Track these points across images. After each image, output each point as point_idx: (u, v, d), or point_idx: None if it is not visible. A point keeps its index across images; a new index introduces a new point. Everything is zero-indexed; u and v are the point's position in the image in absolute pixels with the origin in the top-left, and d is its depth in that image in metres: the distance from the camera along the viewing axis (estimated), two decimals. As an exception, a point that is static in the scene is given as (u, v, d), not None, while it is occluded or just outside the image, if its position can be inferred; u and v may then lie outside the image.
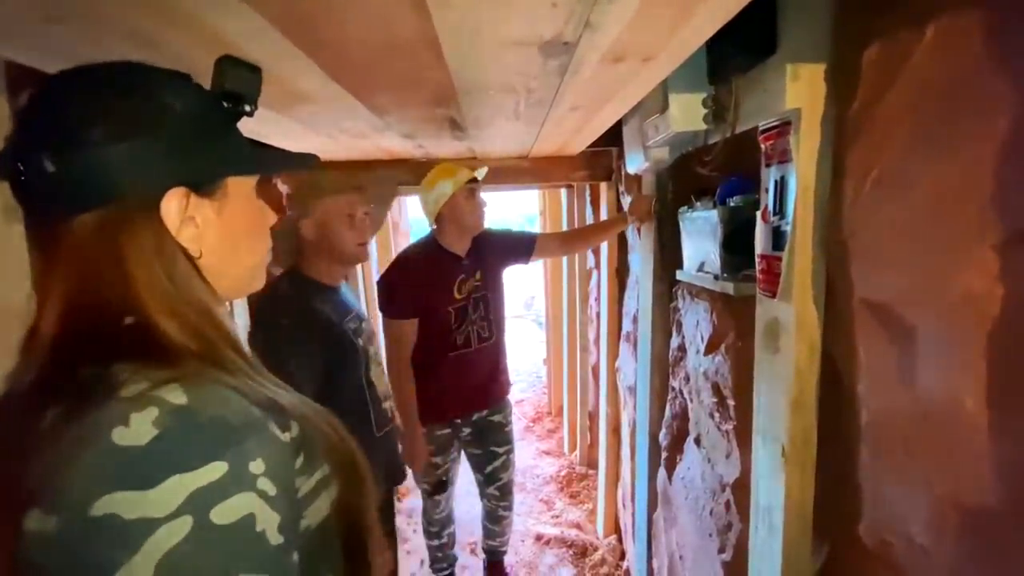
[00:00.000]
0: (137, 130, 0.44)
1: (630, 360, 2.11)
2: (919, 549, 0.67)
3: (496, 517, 2.12)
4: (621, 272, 2.34)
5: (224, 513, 0.38)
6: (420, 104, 1.16)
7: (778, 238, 0.86)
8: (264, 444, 0.43)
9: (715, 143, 1.07)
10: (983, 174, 0.54)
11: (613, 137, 1.72)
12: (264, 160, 0.59)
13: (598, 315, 2.69)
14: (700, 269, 1.23)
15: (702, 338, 1.29)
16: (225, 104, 0.52)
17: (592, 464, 3.02)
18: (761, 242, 0.91)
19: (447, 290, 1.76)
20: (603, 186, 2.31)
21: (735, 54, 0.89)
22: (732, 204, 1.09)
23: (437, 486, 1.99)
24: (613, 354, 2.45)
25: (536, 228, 3.80)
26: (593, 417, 3.07)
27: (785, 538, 0.89)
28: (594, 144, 1.85)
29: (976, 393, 0.56)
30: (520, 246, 1.95)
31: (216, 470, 0.39)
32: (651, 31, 0.79)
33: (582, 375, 3.17)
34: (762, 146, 0.89)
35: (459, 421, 1.90)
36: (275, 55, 0.82)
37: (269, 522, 0.41)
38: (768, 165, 0.88)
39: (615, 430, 2.52)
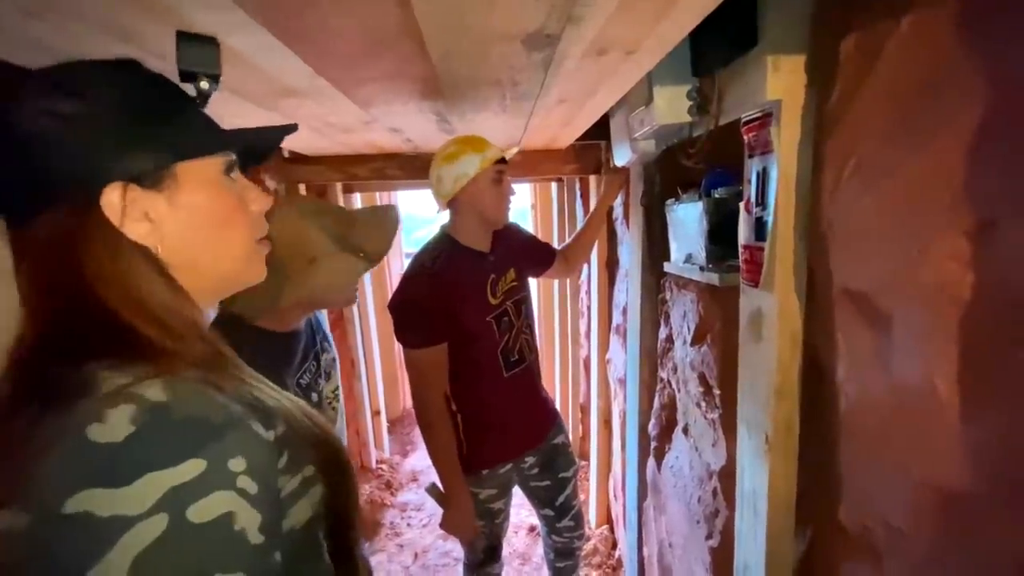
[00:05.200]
0: (61, 129, 0.42)
1: (620, 352, 2.13)
2: (896, 532, 0.69)
3: (570, 551, 1.74)
4: (611, 265, 2.35)
5: (201, 511, 0.38)
6: (406, 97, 1.16)
7: (760, 228, 0.87)
8: (245, 442, 0.42)
9: (699, 135, 1.08)
10: (955, 164, 0.55)
11: (601, 130, 1.72)
12: (217, 139, 0.53)
13: (588, 308, 2.71)
14: (687, 261, 1.24)
15: (689, 329, 1.31)
16: (181, 83, 0.50)
17: (584, 456, 3.04)
18: (744, 233, 0.92)
19: (480, 296, 1.39)
20: (592, 179, 2.32)
21: (717, 47, 0.90)
22: (717, 196, 1.10)
23: (488, 554, 1.56)
24: (604, 347, 2.47)
25: (528, 222, 3.79)
26: (584, 409, 3.09)
27: (769, 523, 0.91)
28: (582, 138, 1.86)
29: (948, 378, 0.58)
30: (541, 254, 1.69)
31: (193, 468, 0.38)
32: (633, 24, 0.80)
33: (573, 368, 3.18)
34: (745, 138, 0.90)
35: (526, 452, 1.54)
36: (257, 48, 0.81)
37: (249, 521, 0.40)
38: (751, 156, 0.89)
39: (606, 422, 2.54)
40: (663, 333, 1.58)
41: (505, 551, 2.08)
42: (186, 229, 0.49)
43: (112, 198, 0.44)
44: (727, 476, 1.16)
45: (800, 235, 0.82)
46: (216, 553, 0.38)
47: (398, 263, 4.09)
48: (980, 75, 0.53)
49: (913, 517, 0.66)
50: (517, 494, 1.67)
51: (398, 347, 1.62)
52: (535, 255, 1.69)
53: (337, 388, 1.12)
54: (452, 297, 1.33)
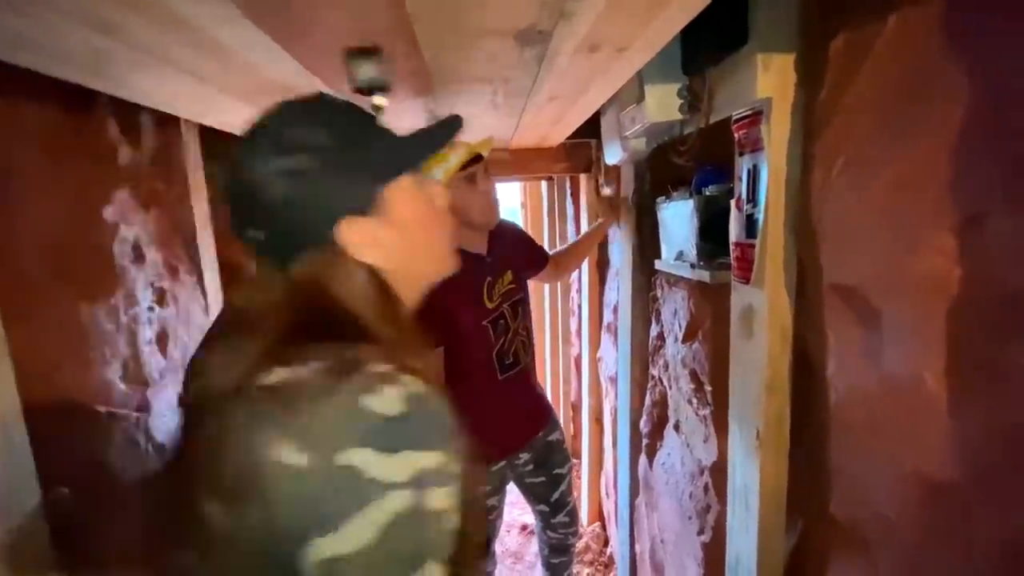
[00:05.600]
0: (296, 187, 0.49)
1: (611, 350, 2.14)
2: (886, 523, 0.70)
3: (565, 547, 1.77)
4: (601, 264, 2.36)
5: (434, 499, 0.42)
6: (397, 95, 1.15)
7: (751, 226, 0.88)
8: (462, 449, 0.46)
9: (690, 133, 1.09)
10: (941, 161, 0.55)
11: (592, 129, 1.73)
12: (411, 154, 0.58)
13: (579, 307, 2.71)
14: (678, 258, 1.25)
15: (680, 326, 1.32)
16: (360, 97, 0.56)
17: (575, 454, 3.05)
18: (735, 230, 0.93)
19: (476, 302, 1.39)
20: (583, 178, 2.32)
21: (708, 45, 0.90)
22: (707, 193, 1.11)
23: (481, 550, 1.56)
24: (595, 345, 2.47)
25: (519, 221, 3.80)
26: (576, 408, 3.10)
27: (761, 517, 0.92)
28: (573, 136, 1.86)
29: (936, 371, 0.59)
30: (535, 257, 1.67)
31: (436, 458, 0.42)
32: (625, 20, 0.80)
33: (564, 367, 3.19)
34: (735, 135, 0.91)
35: (520, 450, 1.55)
36: (246, 44, 0.80)
37: (453, 523, 0.43)
38: (741, 154, 0.90)
39: (597, 420, 2.55)
40: (654, 330, 1.59)
41: (498, 549, 2.09)
42: (404, 242, 0.54)
43: (346, 234, 0.51)
44: (718, 472, 1.17)
45: (790, 232, 0.83)
46: (433, 542, 0.42)
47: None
48: (965, 73, 0.54)
49: (902, 508, 0.67)
50: (511, 492, 1.67)
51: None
52: (530, 257, 1.67)
53: None
54: (447, 304, 1.23)
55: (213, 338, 0.54)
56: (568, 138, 1.92)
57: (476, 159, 1.32)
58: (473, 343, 1.38)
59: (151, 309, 1.28)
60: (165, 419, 1.30)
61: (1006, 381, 0.53)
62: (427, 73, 0.99)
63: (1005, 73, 0.50)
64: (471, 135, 1.80)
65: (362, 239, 0.51)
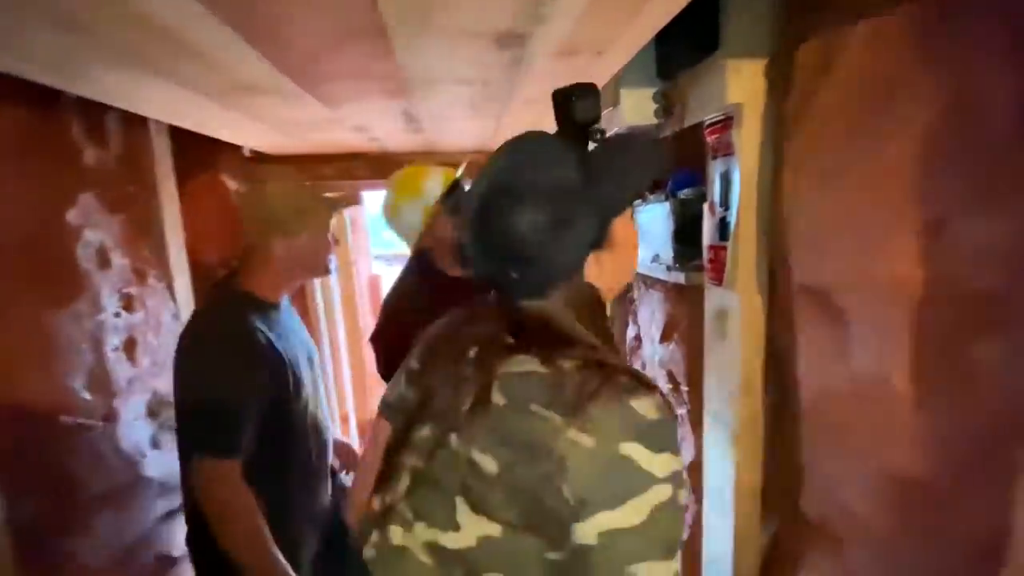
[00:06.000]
0: (556, 233, 0.55)
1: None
2: (856, 519, 0.72)
3: None
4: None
5: (680, 497, 0.49)
6: (373, 96, 1.14)
7: (724, 229, 0.89)
8: None
9: (665, 137, 1.10)
10: (906, 165, 0.57)
11: (569, 131, 1.73)
12: (633, 184, 0.62)
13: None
14: (654, 260, 1.26)
15: (657, 327, 1.33)
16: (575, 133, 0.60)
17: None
18: (708, 233, 0.94)
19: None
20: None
21: (681, 51, 0.91)
22: (682, 196, 1.12)
23: None
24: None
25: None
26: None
27: (736, 515, 0.93)
28: (551, 138, 1.87)
29: (903, 371, 0.60)
30: None
31: (678, 463, 0.49)
32: (602, 25, 0.81)
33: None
34: (708, 140, 0.92)
35: None
36: (215, 44, 0.78)
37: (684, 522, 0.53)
38: (714, 158, 0.91)
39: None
40: (632, 332, 1.61)
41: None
42: (619, 262, 0.61)
43: (590, 266, 0.59)
44: (695, 470, 1.18)
45: (762, 235, 0.85)
46: (678, 534, 0.49)
47: (365, 264, 4.02)
48: (929, 81, 0.55)
49: (872, 504, 0.69)
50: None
51: (368, 352, 1.56)
52: None
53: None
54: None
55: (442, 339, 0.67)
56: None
57: (455, 185, 1.29)
58: None
59: (118, 315, 1.24)
60: (133, 428, 1.26)
61: (969, 380, 0.54)
62: (403, 75, 0.98)
63: (967, 81, 0.52)
64: (451, 139, 1.80)
65: (598, 267, 0.59)
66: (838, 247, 0.68)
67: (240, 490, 0.97)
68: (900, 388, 0.60)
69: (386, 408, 0.74)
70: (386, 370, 1.31)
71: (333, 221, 1.14)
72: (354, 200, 1.56)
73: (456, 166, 1.37)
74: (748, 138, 0.83)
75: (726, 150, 0.87)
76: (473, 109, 1.31)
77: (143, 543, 1.28)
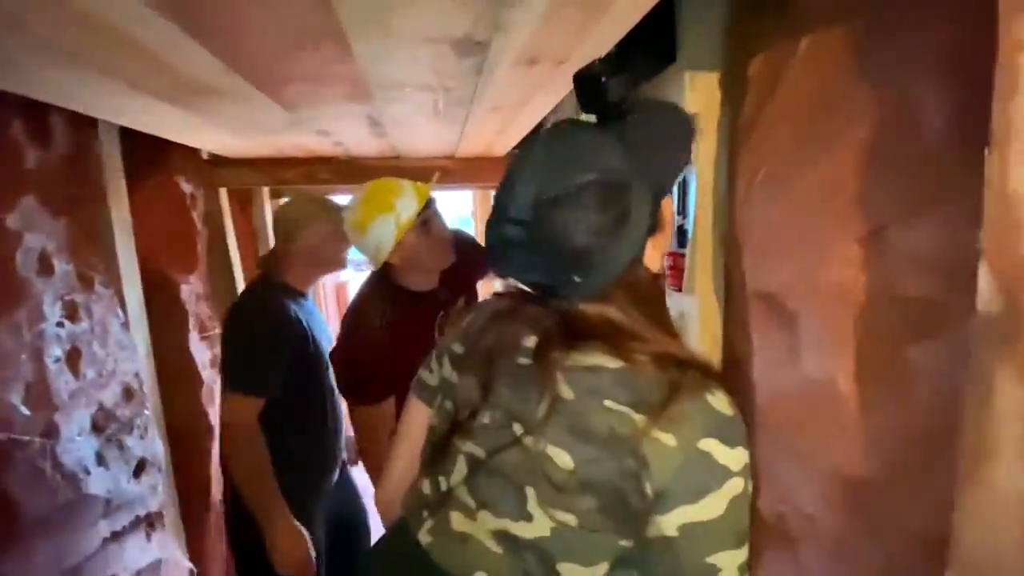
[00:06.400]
0: (616, 229, 0.54)
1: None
2: (809, 519, 0.73)
3: None
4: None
5: (749, 489, 0.52)
6: (334, 100, 1.12)
7: (682, 236, 0.91)
8: None
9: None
10: (847, 176, 0.59)
11: (536, 139, 1.74)
12: (674, 163, 0.62)
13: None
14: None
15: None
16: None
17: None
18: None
19: (429, 341, 1.21)
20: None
21: (639, 61, 0.93)
22: (644, 204, 1.14)
23: None
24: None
25: (471, 230, 3.78)
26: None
27: (696, 519, 0.95)
28: (520, 146, 1.88)
29: (847, 374, 0.62)
30: (485, 265, 1.49)
31: (746, 457, 0.52)
32: (561, 34, 0.81)
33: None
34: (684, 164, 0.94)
35: None
36: (162, 43, 0.76)
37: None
38: (673, 167, 0.93)
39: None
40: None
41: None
42: (665, 240, 0.61)
43: (647, 251, 0.59)
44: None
45: (718, 242, 0.87)
46: (748, 523, 0.53)
47: (331, 278, 3.94)
48: (867, 95, 0.58)
49: (824, 504, 0.70)
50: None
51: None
52: (481, 267, 1.59)
53: None
54: (402, 351, 1.20)
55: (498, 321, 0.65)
56: (513, 148, 1.94)
57: (426, 206, 1.27)
58: None
59: (60, 325, 1.17)
60: (76, 444, 1.20)
61: (908, 382, 0.57)
62: (363, 79, 0.97)
63: (900, 97, 0.54)
64: (416, 144, 1.79)
65: (652, 251, 0.59)
66: (787, 254, 0.70)
67: (254, 427, 1.20)
68: (845, 390, 0.62)
69: (423, 390, 0.73)
70: (346, 384, 1.31)
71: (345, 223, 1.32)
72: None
73: (426, 180, 1.37)
74: (705, 148, 0.85)
75: (683, 159, 0.89)
76: (437, 115, 1.30)
77: (87, 567, 1.21)
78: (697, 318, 0.90)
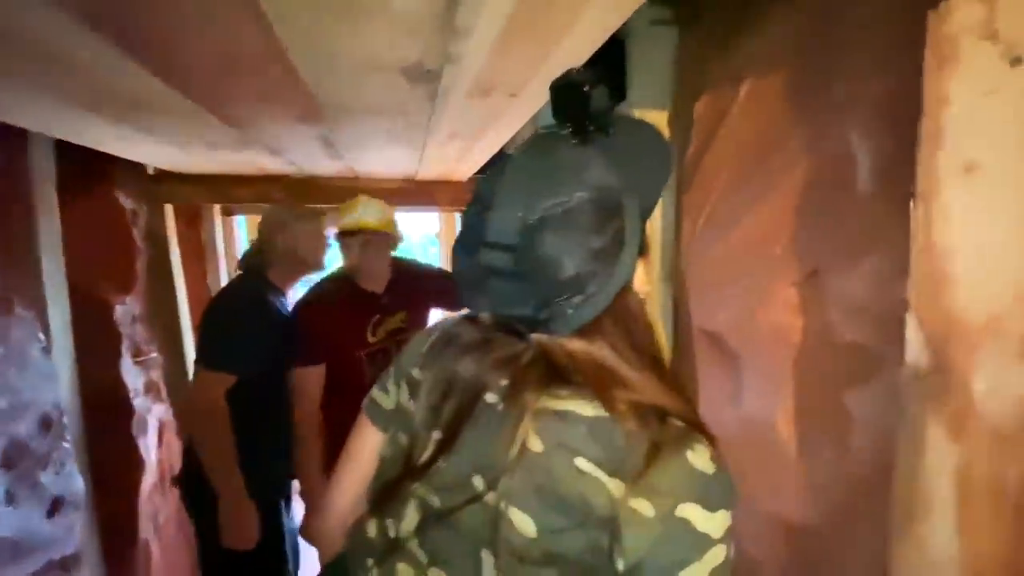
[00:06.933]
0: (612, 250, 0.48)
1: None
2: (754, 563, 0.73)
3: None
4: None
5: (731, 554, 0.45)
6: (283, 119, 1.08)
7: (633, 270, 0.91)
8: None
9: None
10: (784, 220, 0.60)
11: (497, 165, 1.74)
12: (657, 183, 0.57)
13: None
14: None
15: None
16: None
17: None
18: (620, 273, 0.96)
19: (358, 332, 1.52)
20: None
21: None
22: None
23: None
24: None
25: (437, 250, 3.75)
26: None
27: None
28: (483, 171, 1.87)
29: (786, 417, 0.62)
30: (449, 296, 1.68)
31: (729, 519, 0.45)
32: (512, 68, 0.81)
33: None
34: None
35: None
36: (93, 57, 0.71)
37: None
38: (624, 201, 0.94)
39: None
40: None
41: None
42: (649, 261, 0.56)
43: (637, 276, 0.52)
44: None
45: (667, 278, 0.87)
46: None
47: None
48: (802, 141, 0.59)
49: (769, 550, 0.70)
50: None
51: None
52: (442, 292, 1.68)
53: None
54: (328, 327, 1.48)
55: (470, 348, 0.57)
56: (477, 172, 1.93)
57: (383, 234, 1.51)
58: (346, 369, 1.50)
59: (-31, 349, 1.07)
60: (-19, 480, 1.09)
61: (847, 429, 0.57)
62: (314, 102, 0.95)
63: (831, 144, 0.56)
64: (375, 167, 1.76)
65: (640, 274, 0.54)
66: (730, 294, 0.70)
67: (219, 402, 1.26)
68: (784, 434, 0.62)
69: (376, 412, 0.65)
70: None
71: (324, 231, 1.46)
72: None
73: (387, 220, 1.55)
74: (653, 184, 0.86)
75: (634, 194, 0.90)
76: (394, 140, 1.29)
77: (-13, 617, 1.09)
78: (646, 353, 0.89)
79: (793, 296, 0.60)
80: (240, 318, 1.34)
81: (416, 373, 0.61)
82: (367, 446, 0.65)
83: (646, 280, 0.55)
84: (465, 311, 0.62)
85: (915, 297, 0.45)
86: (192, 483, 1.39)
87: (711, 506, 0.45)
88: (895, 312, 0.48)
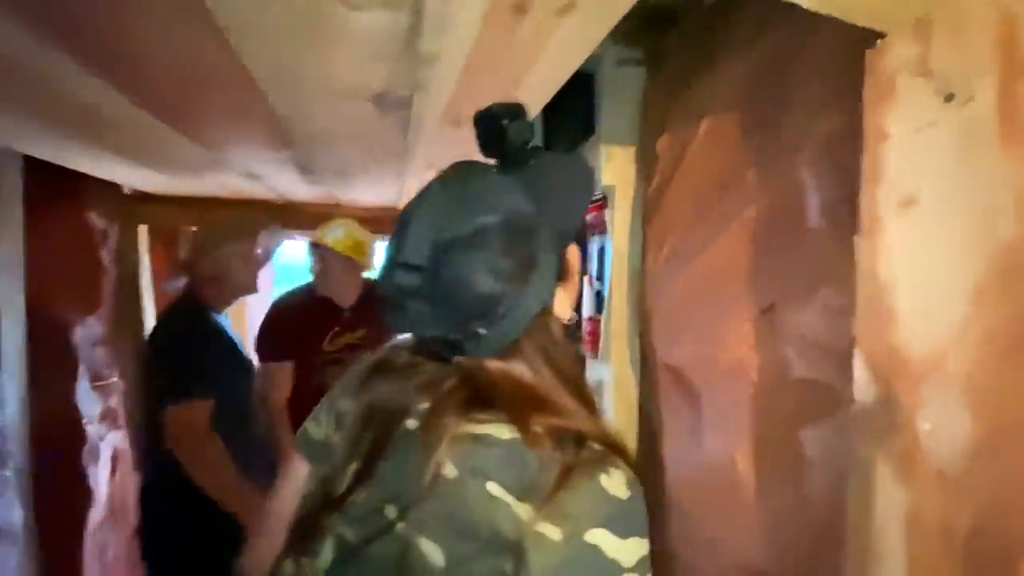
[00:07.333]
0: (528, 271, 0.49)
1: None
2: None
3: None
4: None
5: None
6: (256, 143, 1.08)
7: (600, 302, 0.90)
8: None
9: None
10: (740, 255, 0.60)
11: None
12: (578, 210, 0.58)
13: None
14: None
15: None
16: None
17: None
18: (587, 305, 0.95)
19: (316, 339, 1.66)
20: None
21: (562, 133, 0.96)
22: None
23: None
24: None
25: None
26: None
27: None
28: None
29: (745, 456, 0.60)
30: None
31: (644, 547, 0.45)
32: (482, 98, 0.81)
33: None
34: (587, 218, 0.95)
35: None
36: (54, 71, 0.71)
37: None
38: (592, 235, 0.94)
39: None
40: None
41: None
42: (574, 288, 0.56)
43: (556, 301, 0.53)
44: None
45: (633, 310, 0.86)
46: None
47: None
48: (756, 178, 0.59)
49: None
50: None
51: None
52: None
53: None
54: (290, 327, 1.62)
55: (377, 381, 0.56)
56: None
57: (346, 258, 1.62)
58: (305, 372, 1.61)
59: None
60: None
61: (804, 470, 0.55)
62: (284, 126, 0.95)
63: (784, 181, 0.56)
64: (356, 194, 1.76)
65: (560, 299, 0.54)
66: (691, 328, 0.69)
67: (207, 428, 1.22)
68: (743, 475, 0.60)
69: (306, 444, 0.63)
70: (258, 347, 1.64)
71: (252, 252, 1.44)
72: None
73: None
74: (620, 219, 0.86)
75: (601, 228, 0.90)
76: (371, 168, 1.29)
77: None
78: (612, 387, 0.87)
79: (750, 332, 0.59)
80: (196, 342, 1.31)
81: (343, 404, 0.60)
82: (295, 479, 0.62)
83: (567, 306, 0.55)
84: (402, 337, 0.61)
85: (861, 332, 0.44)
86: (153, 534, 1.36)
87: (622, 532, 0.44)
88: (849, 348, 0.47)
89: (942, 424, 0.39)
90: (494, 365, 0.52)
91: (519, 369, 0.52)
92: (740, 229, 0.60)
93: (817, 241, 0.52)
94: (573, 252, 0.57)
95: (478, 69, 0.74)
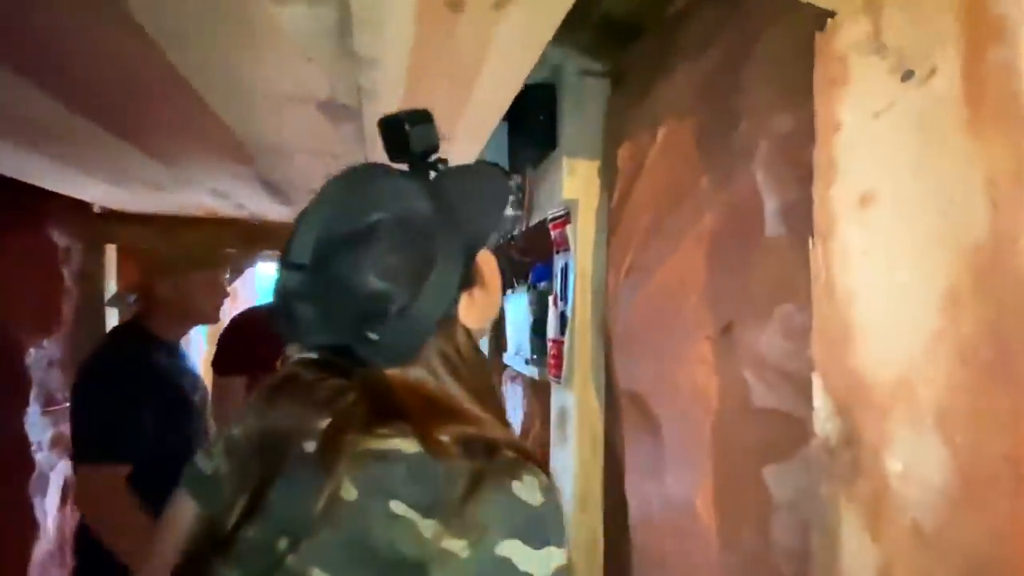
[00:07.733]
0: (422, 271, 0.45)
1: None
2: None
3: None
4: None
5: None
6: (213, 156, 1.05)
7: (564, 323, 0.84)
8: None
9: (525, 229, 1.08)
10: (696, 267, 0.55)
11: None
12: (492, 215, 0.55)
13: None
14: (517, 352, 1.20)
15: (518, 424, 1.23)
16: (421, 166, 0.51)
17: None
18: (552, 326, 0.89)
19: (273, 356, 1.59)
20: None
21: (525, 147, 0.91)
22: (540, 288, 1.08)
23: None
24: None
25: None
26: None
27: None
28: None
29: (705, 495, 0.54)
30: None
31: (562, 556, 0.42)
32: (435, 108, 0.78)
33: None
34: (552, 234, 0.90)
35: None
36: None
37: None
38: (557, 252, 0.89)
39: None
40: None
41: None
42: (489, 299, 0.52)
43: (461, 308, 0.49)
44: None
45: (597, 332, 0.80)
46: None
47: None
48: (711, 184, 0.55)
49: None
50: None
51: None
52: None
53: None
54: (245, 343, 1.50)
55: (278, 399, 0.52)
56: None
57: None
58: (254, 387, 1.51)
59: None
60: None
61: (765, 513, 0.48)
62: (235, 136, 0.91)
63: (738, 188, 0.51)
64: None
65: (469, 307, 0.50)
66: (649, 350, 0.64)
67: (120, 498, 1.03)
68: (704, 516, 0.53)
69: (193, 480, 0.56)
70: (216, 360, 1.52)
71: (219, 279, 1.29)
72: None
73: None
74: (583, 234, 0.81)
75: (565, 245, 0.85)
76: (337, 183, 1.25)
77: None
78: (575, 415, 0.80)
79: (708, 355, 0.53)
80: (128, 393, 1.09)
81: (235, 429, 0.54)
82: (180, 521, 0.55)
83: (476, 314, 0.50)
84: (306, 355, 0.56)
85: (819, 354, 0.38)
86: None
87: (535, 541, 0.40)
88: (810, 373, 0.41)
89: (914, 464, 0.33)
90: (396, 375, 0.48)
91: (420, 376, 0.48)
92: (696, 241, 0.55)
93: (775, 251, 0.47)
94: (486, 259, 0.53)
95: (424, 72, 0.70)
